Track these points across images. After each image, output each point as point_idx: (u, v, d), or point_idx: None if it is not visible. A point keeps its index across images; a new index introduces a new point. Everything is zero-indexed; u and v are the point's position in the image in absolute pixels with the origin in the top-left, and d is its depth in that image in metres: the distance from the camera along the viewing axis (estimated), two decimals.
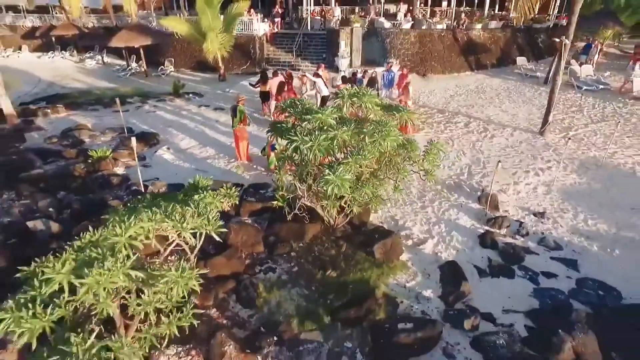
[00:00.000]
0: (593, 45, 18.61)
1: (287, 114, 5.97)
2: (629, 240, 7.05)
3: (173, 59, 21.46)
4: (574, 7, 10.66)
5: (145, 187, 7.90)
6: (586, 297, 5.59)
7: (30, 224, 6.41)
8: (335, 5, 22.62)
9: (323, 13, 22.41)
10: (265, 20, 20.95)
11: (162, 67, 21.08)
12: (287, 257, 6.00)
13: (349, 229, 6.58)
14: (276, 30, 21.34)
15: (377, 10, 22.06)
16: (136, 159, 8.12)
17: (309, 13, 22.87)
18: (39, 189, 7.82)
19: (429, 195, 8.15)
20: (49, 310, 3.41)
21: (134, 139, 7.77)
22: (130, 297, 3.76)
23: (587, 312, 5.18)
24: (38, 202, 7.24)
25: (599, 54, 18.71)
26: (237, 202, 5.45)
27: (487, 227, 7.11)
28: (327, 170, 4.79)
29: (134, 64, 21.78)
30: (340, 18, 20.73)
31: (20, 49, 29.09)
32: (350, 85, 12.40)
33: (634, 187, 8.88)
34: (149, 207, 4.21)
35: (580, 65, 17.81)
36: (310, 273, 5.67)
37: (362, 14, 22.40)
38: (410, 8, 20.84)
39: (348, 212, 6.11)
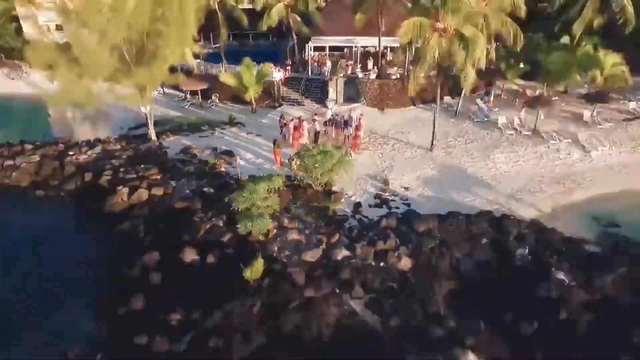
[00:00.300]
0: (492, 89, 29.58)
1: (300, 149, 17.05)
2: (439, 199, 18.06)
3: (218, 94, 32.34)
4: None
5: (239, 178, 18.89)
6: (403, 214, 16.63)
7: (204, 189, 17.49)
8: (327, 54, 33.43)
9: (319, 60, 33.24)
10: (280, 69, 31.77)
11: (211, 100, 31.96)
12: (300, 201, 17.03)
13: (323, 191, 17.62)
14: (287, 75, 32.27)
15: (356, 60, 32.96)
16: (238, 165, 19.21)
17: (310, 57, 33.82)
18: (194, 179, 18.86)
19: (361, 180, 19.16)
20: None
21: (238, 158, 18.88)
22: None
23: (396, 216, 16.21)
24: (200, 183, 18.32)
25: (494, 96, 29.55)
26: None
27: (379, 192, 18.13)
28: (315, 171, 15.85)
29: (189, 97, 32.67)
30: (330, 67, 31.59)
31: None
32: (332, 123, 23.40)
33: (461, 176, 19.91)
34: (262, 180, 15.19)
35: (484, 103, 28.80)
36: (309, 205, 16.71)
37: (346, 61, 33.21)
38: (376, 65, 31.50)
39: (323, 185, 17.19)
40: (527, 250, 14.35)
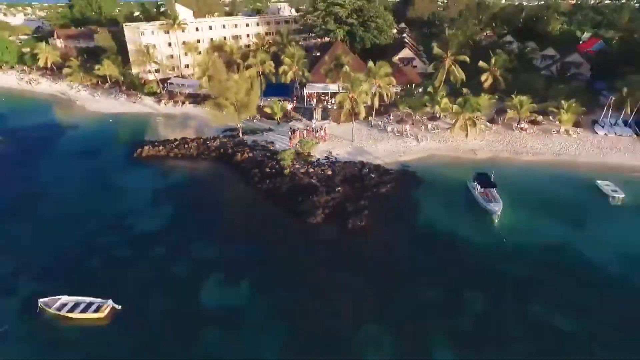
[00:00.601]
0: (392, 114, 64.57)
1: (299, 141, 52.40)
2: (349, 158, 53.27)
3: (259, 114, 67.45)
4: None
5: (279, 150, 54.07)
6: (333, 162, 51.79)
7: (266, 154, 52.81)
8: (315, 94, 68.58)
9: (311, 96, 68.52)
10: (290, 102, 67.06)
11: (255, 117, 67.10)
12: (299, 157, 52.13)
13: (307, 155, 52.71)
14: (294, 105, 67.57)
15: (328, 99, 68.17)
16: (277, 146, 54.49)
17: (306, 95, 69.22)
18: (261, 151, 54.17)
19: (321, 151, 54.30)
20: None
21: (277, 144, 54.10)
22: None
23: (330, 162, 51.42)
24: (264, 152, 53.62)
25: (394, 116, 64.26)
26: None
27: (327, 156, 53.29)
28: (304, 148, 50.96)
29: None
30: (315, 101, 66.84)
31: (183, 104, 76.04)
32: (314, 130, 58.66)
33: (361, 151, 55.21)
34: (287, 150, 50.28)
35: (387, 120, 63.82)
36: (302, 159, 51.84)
37: (324, 97, 68.46)
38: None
39: (306, 152, 52.41)
40: (367, 170, 49.25)
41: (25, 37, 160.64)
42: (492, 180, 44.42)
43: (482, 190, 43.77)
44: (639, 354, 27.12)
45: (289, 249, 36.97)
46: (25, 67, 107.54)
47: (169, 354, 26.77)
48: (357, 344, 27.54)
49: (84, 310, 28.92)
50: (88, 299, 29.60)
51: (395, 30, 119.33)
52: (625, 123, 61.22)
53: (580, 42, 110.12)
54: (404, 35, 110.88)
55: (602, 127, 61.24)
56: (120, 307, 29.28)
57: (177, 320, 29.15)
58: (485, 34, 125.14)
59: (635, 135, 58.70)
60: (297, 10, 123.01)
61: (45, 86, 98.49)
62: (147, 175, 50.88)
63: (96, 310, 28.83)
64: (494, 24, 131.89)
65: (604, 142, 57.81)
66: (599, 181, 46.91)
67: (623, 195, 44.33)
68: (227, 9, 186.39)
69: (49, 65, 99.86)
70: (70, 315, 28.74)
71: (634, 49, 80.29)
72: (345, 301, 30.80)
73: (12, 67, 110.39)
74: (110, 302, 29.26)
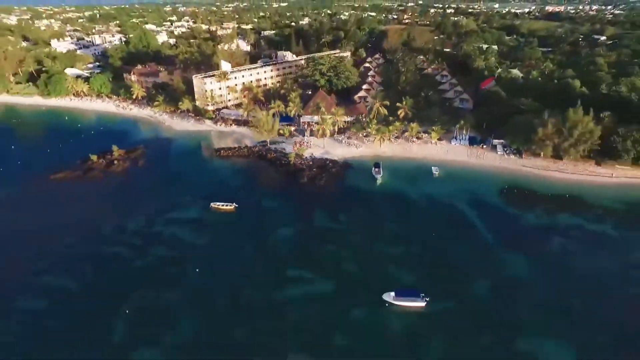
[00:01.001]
0: (346, 133, 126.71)
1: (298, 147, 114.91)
2: (322, 155, 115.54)
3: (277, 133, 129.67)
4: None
5: (289, 153, 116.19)
6: (314, 158, 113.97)
7: (282, 155, 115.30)
8: (307, 122, 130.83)
9: (304, 123, 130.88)
10: (293, 126, 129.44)
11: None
12: (298, 156, 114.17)
13: (301, 155, 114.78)
14: (295, 128, 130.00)
15: (313, 125, 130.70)
16: (285, 151, 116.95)
17: (302, 122, 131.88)
18: (280, 153, 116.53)
19: (308, 152, 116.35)
20: None
21: (288, 149, 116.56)
22: None
23: (312, 157, 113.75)
24: (283, 153, 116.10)
25: (345, 136, 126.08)
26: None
27: (311, 155, 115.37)
28: (299, 151, 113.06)
29: None
30: (306, 125, 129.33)
31: (231, 125, 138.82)
32: (305, 142, 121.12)
33: (327, 152, 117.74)
34: (291, 152, 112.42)
35: (347, 137, 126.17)
36: (299, 157, 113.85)
37: (311, 123, 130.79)
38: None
39: (301, 153, 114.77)
40: (328, 162, 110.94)
41: (91, 65, 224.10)
42: (380, 164, 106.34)
43: (375, 168, 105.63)
44: (427, 239, 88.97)
45: (292, 190, 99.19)
46: (119, 97, 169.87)
47: (252, 220, 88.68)
48: (318, 217, 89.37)
49: (221, 206, 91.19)
50: (227, 203, 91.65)
51: (367, 64, 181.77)
52: (469, 138, 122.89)
53: (495, 75, 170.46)
54: (369, 73, 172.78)
55: (456, 140, 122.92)
56: (237, 205, 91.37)
57: (258, 210, 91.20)
58: (432, 67, 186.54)
59: (467, 145, 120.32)
60: (297, 55, 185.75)
61: (135, 111, 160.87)
62: (227, 164, 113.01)
63: (230, 206, 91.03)
64: (436, 61, 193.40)
65: (452, 149, 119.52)
66: (432, 166, 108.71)
67: (438, 172, 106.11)
68: (234, 24, 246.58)
69: (139, 97, 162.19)
70: (221, 207, 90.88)
71: (506, 87, 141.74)
72: (313, 205, 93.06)
73: (107, 97, 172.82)
74: (234, 204, 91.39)
